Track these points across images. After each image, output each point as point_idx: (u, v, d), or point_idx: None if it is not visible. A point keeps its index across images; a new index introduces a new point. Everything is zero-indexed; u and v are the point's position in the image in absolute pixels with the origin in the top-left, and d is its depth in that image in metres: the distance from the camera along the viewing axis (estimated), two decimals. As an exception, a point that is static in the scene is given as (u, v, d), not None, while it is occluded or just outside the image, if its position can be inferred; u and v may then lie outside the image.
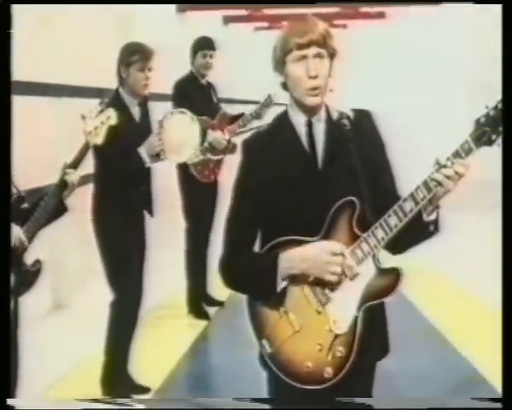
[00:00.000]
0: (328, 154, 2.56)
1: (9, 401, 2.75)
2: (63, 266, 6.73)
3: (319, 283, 2.50)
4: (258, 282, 2.54)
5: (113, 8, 7.94)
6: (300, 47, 2.49)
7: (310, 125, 2.57)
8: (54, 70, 6.64)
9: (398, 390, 4.72)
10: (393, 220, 2.45)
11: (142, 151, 4.69)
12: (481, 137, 2.41)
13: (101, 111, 3.92)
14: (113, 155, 4.52)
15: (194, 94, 6.38)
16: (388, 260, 2.55)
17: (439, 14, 12.54)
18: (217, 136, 6.40)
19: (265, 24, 14.28)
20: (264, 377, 2.67)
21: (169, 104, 6.27)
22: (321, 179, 2.54)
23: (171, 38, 9.09)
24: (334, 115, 2.59)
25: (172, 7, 10.40)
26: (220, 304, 6.66)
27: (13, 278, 3.34)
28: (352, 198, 2.48)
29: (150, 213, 4.95)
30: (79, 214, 4.46)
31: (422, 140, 12.39)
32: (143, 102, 4.90)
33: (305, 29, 2.50)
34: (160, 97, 6.37)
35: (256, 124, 6.10)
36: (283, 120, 2.62)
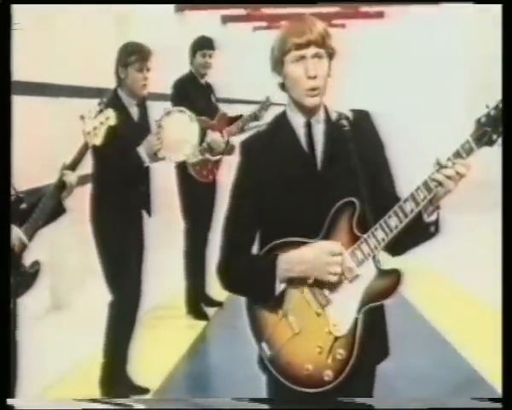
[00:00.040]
0: (327, 155, 2.54)
1: (9, 401, 2.74)
2: (62, 267, 6.73)
3: (318, 284, 2.49)
4: (256, 285, 2.52)
5: (113, 8, 7.94)
6: (299, 47, 2.47)
7: (309, 126, 2.56)
8: (53, 70, 6.64)
9: (398, 391, 4.72)
10: (394, 221, 2.43)
11: (141, 151, 4.69)
12: (482, 137, 2.40)
13: (100, 111, 3.91)
14: (112, 155, 4.51)
15: (194, 94, 6.37)
16: (388, 261, 2.54)
17: (438, 13, 12.54)
18: (216, 138, 6.38)
19: (264, 23, 14.26)
20: (263, 377, 2.65)
21: (168, 104, 6.26)
22: (320, 180, 2.52)
23: (169, 37, 9.08)
24: (333, 116, 2.58)
25: (171, 7, 10.39)
26: (219, 304, 6.66)
27: (11, 280, 3.33)
28: (352, 199, 2.47)
29: (148, 213, 4.95)
30: (78, 215, 4.45)
31: (421, 140, 12.39)
32: (142, 102, 4.89)
33: (303, 29, 2.48)
34: (159, 97, 6.37)
35: (254, 125, 6.10)
36: (282, 120, 2.60)
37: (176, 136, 4.97)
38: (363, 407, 2.63)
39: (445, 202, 2.47)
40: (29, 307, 3.68)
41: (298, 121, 2.57)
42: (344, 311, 2.48)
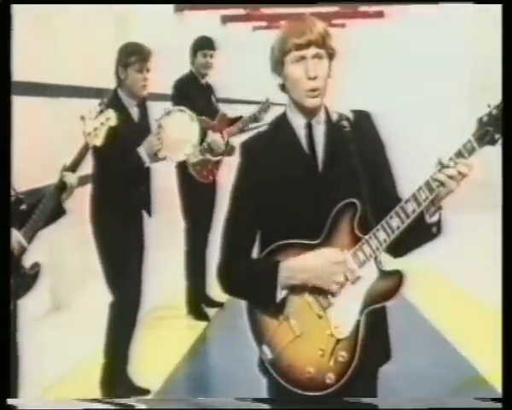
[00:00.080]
0: (328, 156, 2.53)
1: (9, 402, 2.73)
2: (62, 268, 6.72)
3: (320, 292, 2.47)
4: (257, 290, 2.50)
5: (113, 8, 7.93)
6: (299, 47, 2.45)
7: (309, 128, 2.54)
8: (53, 70, 6.63)
9: (400, 391, 4.70)
10: (395, 222, 2.42)
11: (142, 151, 4.68)
12: (484, 136, 2.39)
13: (101, 112, 3.90)
14: (112, 156, 4.50)
15: (194, 94, 6.36)
16: (389, 262, 2.52)
17: (438, 13, 12.52)
18: (216, 139, 6.37)
19: (264, 23, 14.24)
20: (263, 378, 2.64)
21: (168, 104, 6.25)
22: (321, 182, 2.51)
23: (169, 37, 9.08)
24: (334, 117, 2.56)
25: (170, 7, 10.38)
26: (220, 305, 6.64)
27: (11, 281, 3.32)
28: (353, 200, 2.45)
29: (149, 213, 4.94)
30: (78, 215, 4.45)
31: (421, 140, 12.37)
32: (142, 103, 4.89)
33: (303, 29, 2.46)
34: (159, 97, 6.36)
35: (254, 126, 6.10)
36: (282, 121, 2.58)
37: (176, 135, 4.96)
38: (363, 407, 2.61)
39: (446, 202, 2.46)
40: (29, 308, 3.67)
41: (298, 122, 2.55)
42: (346, 313, 2.46)
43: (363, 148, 2.51)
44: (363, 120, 2.59)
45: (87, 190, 4.80)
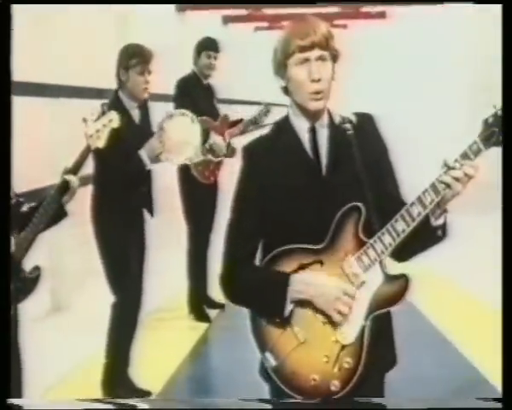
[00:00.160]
0: (331, 160, 2.50)
1: (9, 401, 2.72)
2: (62, 269, 6.71)
3: (324, 316, 2.43)
4: (265, 302, 2.47)
5: (113, 8, 7.92)
6: (302, 49, 2.43)
7: (313, 131, 2.51)
8: (54, 70, 6.62)
9: (405, 395, 4.68)
10: (401, 225, 2.39)
11: (143, 154, 4.66)
12: (490, 137, 2.36)
13: (103, 113, 3.87)
14: (113, 158, 4.48)
15: (196, 94, 6.35)
16: (393, 267, 2.50)
17: (439, 14, 12.50)
18: (218, 141, 6.36)
19: (265, 24, 14.22)
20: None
21: (169, 104, 6.24)
22: (325, 186, 2.48)
23: (170, 37, 9.07)
24: (337, 120, 2.53)
25: (172, 7, 10.37)
26: (221, 306, 6.63)
27: (11, 285, 3.29)
28: (358, 204, 2.42)
29: (151, 212, 4.93)
30: (78, 216, 4.42)
31: (422, 141, 12.35)
32: (143, 105, 4.87)
33: (306, 30, 2.43)
34: (160, 98, 6.35)
35: (255, 129, 6.10)
36: (285, 124, 2.55)
37: (178, 138, 4.95)
38: (363, 408, 2.57)
39: (450, 205, 2.43)
40: (29, 309, 3.65)
41: (301, 125, 2.52)
42: (351, 318, 2.42)
43: (366, 151, 2.49)
44: (365, 123, 2.57)
45: (88, 190, 4.78)
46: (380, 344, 2.46)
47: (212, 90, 6.63)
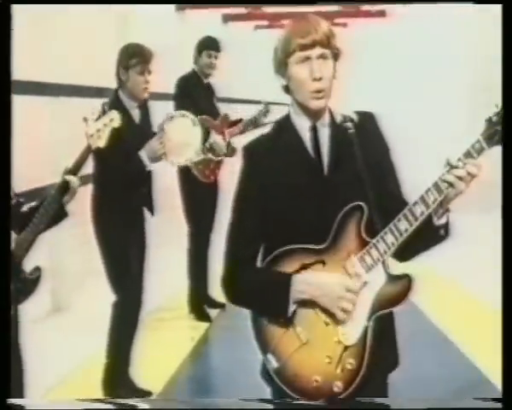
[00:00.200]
0: (333, 159, 2.48)
1: (10, 402, 2.71)
2: (63, 269, 6.70)
3: (328, 314, 2.42)
4: (268, 303, 2.44)
5: (113, 8, 7.91)
6: (303, 48, 2.41)
7: (315, 130, 2.49)
8: (54, 70, 6.61)
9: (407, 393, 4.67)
10: (403, 225, 2.37)
11: (143, 154, 4.66)
12: (493, 136, 2.35)
13: (104, 113, 3.86)
14: (114, 158, 4.47)
15: (197, 93, 6.34)
16: (395, 267, 2.48)
17: (439, 13, 12.50)
18: (218, 140, 6.35)
19: (265, 22, 14.21)
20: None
21: (169, 103, 6.24)
22: (327, 185, 2.46)
23: (170, 36, 9.06)
24: (338, 119, 2.52)
25: (171, 6, 10.36)
26: (222, 306, 6.62)
27: (12, 286, 3.28)
28: (360, 203, 2.41)
29: (151, 211, 4.92)
30: (78, 216, 4.42)
31: (423, 140, 12.35)
32: (143, 105, 4.86)
33: (307, 29, 2.41)
34: (160, 96, 6.34)
35: (255, 129, 6.10)
36: (286, 124, 2.54)
37: (178, 140, 4.95)
38: (363, 407, 2.56)
39: (453, 204, 2.42)
40: (30, 310, 3.65)
41: (302, 125, 2.51)
42: (353, 319, 2.41)
43: (367, 150, 2.48)
44: (367, 122, 2.55)
45: (88, 190, 4.77)
46: (382, 345, 2.44)
47: (213, 90, 6.63)
